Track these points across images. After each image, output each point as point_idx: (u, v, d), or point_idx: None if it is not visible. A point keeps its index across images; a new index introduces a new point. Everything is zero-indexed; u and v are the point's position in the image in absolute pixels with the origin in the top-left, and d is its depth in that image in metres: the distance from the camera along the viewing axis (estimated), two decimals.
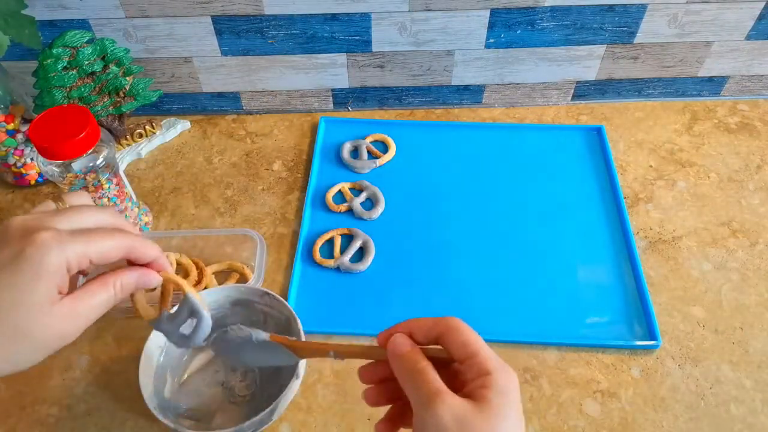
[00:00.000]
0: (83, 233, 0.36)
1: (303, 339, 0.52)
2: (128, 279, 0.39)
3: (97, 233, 0.37)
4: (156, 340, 0.54)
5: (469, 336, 0.35)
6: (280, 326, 0.56)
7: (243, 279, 0.64)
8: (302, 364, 0.51)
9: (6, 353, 0.34)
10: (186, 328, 0.41)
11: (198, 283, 0.62)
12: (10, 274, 0.33)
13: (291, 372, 0.52)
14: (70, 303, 0.36)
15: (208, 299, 0.56)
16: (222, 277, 0.65)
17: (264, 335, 0.42)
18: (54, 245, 0.34)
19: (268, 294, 0.55)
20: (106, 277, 0.38)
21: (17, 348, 0.34)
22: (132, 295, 0.41)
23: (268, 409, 0.49)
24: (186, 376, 0.57)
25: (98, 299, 0.37)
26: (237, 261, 0.65)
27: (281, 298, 0.55)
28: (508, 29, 0.74)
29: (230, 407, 0.55)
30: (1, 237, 0.35)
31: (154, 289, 0.41)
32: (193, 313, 0.41)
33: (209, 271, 0.64)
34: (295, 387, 0.51)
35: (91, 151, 0.57)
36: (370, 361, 0.39)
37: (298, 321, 0.53)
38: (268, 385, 0.55)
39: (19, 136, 0.68)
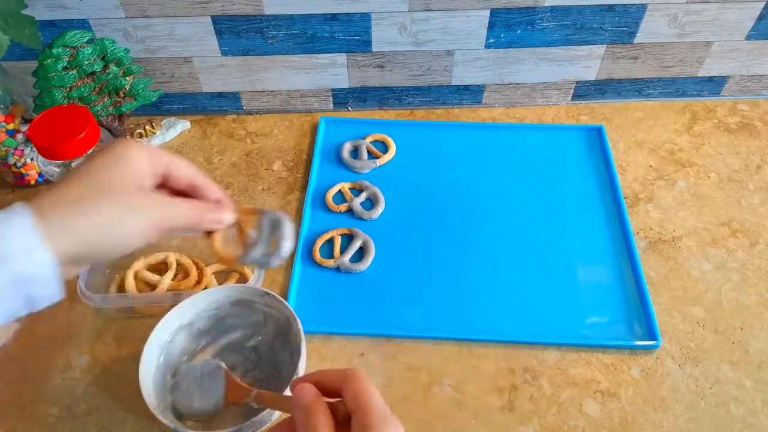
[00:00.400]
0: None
1: (302, 340, 0.52)
2: (225, 206, 0.42)
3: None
4: (156, 341, 0.54)
5: (361, 388, 0.36)
6: (280, 326, 0.56)
7: (243, 279, 0.64)
8: (303, 362, 0.51)
9: (107, 220, 0.35)
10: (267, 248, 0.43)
11: (198, 283, 0.62)
12: (103, 159, 0.37)
13: (291, 372, 0.52)
14: (163, 196, 0.39)
15: (208, 299, 0.56)
16: (222, 277, 0.65)
17: (220, 365, 0.48)
18: (132, 143, 0.38)
19: (268, 294, 0.55)
20: (199, 202, 0.41)
21: (123, 220, 0.36)
22: (212, 240, 0.43)
23: (268, 409, 0.49)
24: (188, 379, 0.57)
25: (191, 208, 0.40)
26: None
27: (281, 299, 0.55)
28: (508, 29, 0.74)
29: (230, 407, 0.54)
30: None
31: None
32: (275, 224, 0.43)
33: (209, 271, 0.64)
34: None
35: (91, 151, 0.57)
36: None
37: (298, 321, 0.53)
38: (268, 385, 0.55)
39: (19, 136, 0.68)
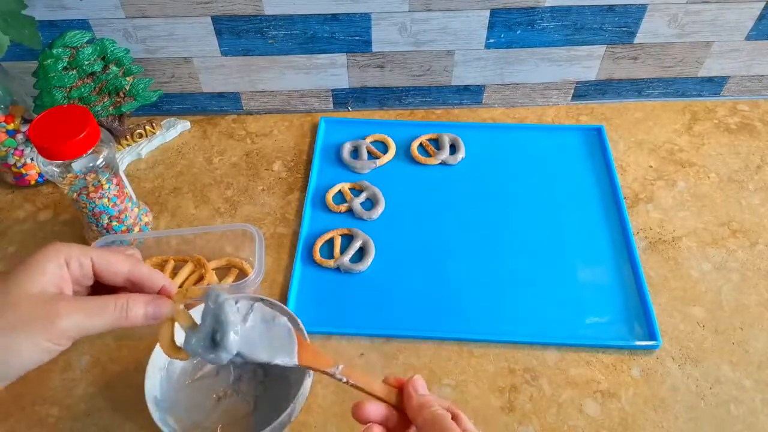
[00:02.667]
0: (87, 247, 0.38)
1: (307, 340, 0.52)
2: (137, 300, 0.38)
3: (105, 249, 0.39)
4: (157, 363, 0.53)
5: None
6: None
7: (243, 274, 0.64)
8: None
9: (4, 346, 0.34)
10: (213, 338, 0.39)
11: (201, 279, 0.62)
12: (14, 273, 0.36)
13: (299, 374, 0.52)
14: (63, 302, 0.36)
15: (199, 314, 0.55)
16: (221, 273, 0.65)
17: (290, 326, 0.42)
18: (52, 245, 0.36)
19: (263, 300, 0.55)
20: (112, 296, 0.38)
21: (14, 340, 0.34)
22: (159, 332, 0.40)
23: (286, 411, 0.48)
24: (190, 382, 0.56)
25: (101, 314, 0.37)
26: (236, 258, 0.65)
27: (278, 302, 0.54)
28: (508, 29, 0.74)
29: (235, 415, 0.54)
30: None
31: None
32: (218, 321, 0.38)
33: (209, 266, 0.63)
34: (308, 386, 0.51)
35: (91, 151, 0.57)
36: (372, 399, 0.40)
37: (299, 322, 0.53)
38: (278, 390, 0.55)
39: (19, 137, 0.68)
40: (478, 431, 0.38)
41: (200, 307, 0.41)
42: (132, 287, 0.40)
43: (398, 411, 0.41)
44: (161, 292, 0.40)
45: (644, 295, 0.62)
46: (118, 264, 0.38)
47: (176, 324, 0.40)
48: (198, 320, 0.40)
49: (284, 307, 0.54)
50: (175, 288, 0.41)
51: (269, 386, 0.56)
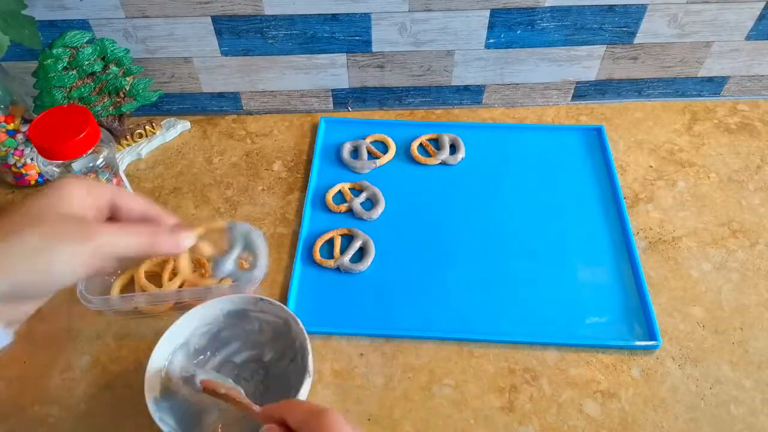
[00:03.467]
0: None
1: (307, 339, 0.52)
2: (164, 228, 0.39)
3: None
4: (156, 367, 0.53)
5: None
6: (278, 330, 0.56)
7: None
8: (311, 361, 0.51)
9: (38, 260, 0.34)
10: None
11: (203, 275, 0.63)
12: (40, 195, 0.36)
13: (299, 373, 0.52)
14: (100, 224, 0.37)
15: (200, 315, 0.56)
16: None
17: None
18: (72, 178, 0.38)
19: (262, 300, 0.55)
20: (139, 222, 0.39)
21: (55, 249, 0.34)
22: (178, 264, 0.43)
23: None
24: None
25: (133, 234, 0.37)
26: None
27: (277, 302, 0.54)
28: (508, 29, 0.74)
29: (235, 415, 0.54)
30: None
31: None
32: (246, 238, 0.42)
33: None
34: (308, 385, 0.51)
35: (91, 151, 0.57)
36: None
37: (299, 322, 0.53)
38: (277, 390, 0.55)
39: (19, 137, 0.68)
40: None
41: None
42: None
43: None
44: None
45: (644, 295, 0.62)
46: (133, 203, 0.39)
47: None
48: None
49: (284, 307, 0.54)
50: (189, 226, 0.42)
51: (269, 386, 0.56)
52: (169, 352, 0.54)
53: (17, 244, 0.33)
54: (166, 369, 0.54)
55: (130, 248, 0.37)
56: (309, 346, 0.52)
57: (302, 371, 0.51)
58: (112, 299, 0.60)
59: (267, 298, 0.55)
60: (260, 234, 0.42)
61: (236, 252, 0.43)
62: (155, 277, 0.64)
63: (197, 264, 0.63)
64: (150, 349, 0.52)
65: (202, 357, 0.57)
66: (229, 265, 0.43)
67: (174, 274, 0.63)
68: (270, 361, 0.57)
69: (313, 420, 0.35)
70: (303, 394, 0.50)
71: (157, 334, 0.54)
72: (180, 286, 0.62)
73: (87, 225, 0.36)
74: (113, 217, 0.39)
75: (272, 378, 0.56)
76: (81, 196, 0.36)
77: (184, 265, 0.42)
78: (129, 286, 0.64)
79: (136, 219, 0.39)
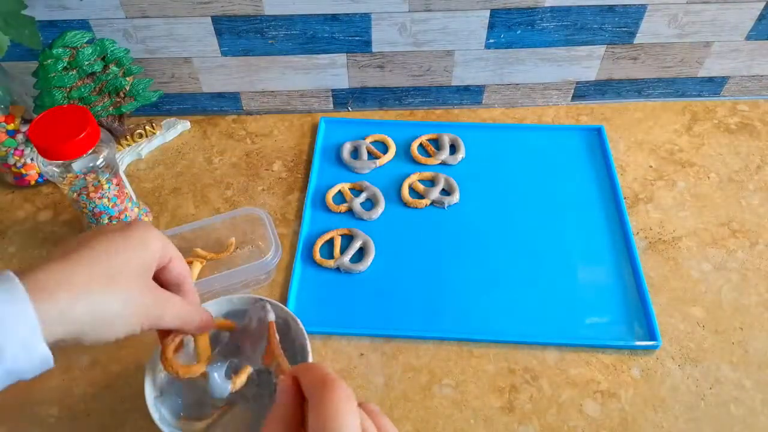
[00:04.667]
0: None
1: (306, 339, 0.52)
2: (206, 311, 0.42)
3: None
4: (155, 370, 0.53)
5: (327, 416, 0.31)
6: (279, 330, 0.56)
7: (260, 253, 0.65)
8: (311, 360, 0.51)
9: (110, 310, 0.35)
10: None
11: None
12: (123, 239, 0.37)
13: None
14: (158, 289, 0.38)
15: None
16: (235, 259, 0.66)
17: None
18: (153, 228, 0.39)
19: (261, 300, 0.55)
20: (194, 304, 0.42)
21: (123, 309, 0.36)
22: (165, 346, 0.44)
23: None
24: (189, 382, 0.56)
25: (181, 305, 0.40)
26: (247, 243, 0.66)
27: (276, 302, 0.54)
28: (508, 29, 0.74)
29: (234, 415, 0.54)
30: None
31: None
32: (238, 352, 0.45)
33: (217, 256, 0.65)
34: None
35: (91, 151, 0.57)
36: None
37: (299, 321, 0.53)
38: (273, 390, 0.55)
39: (19, 137, 0.68)
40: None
41: None
42: (173, 290, 0.42)
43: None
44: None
45: (644, 295, 0.62)
46: (181, 266, 0.41)
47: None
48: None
49: (283, 307, 0.54)
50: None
51: (269, 387, 0.56)
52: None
53: (97, 303, 0.34)
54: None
55: (173, 321, 0.39)
56: (309, 346, 0.52)
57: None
58: None
59: (266, 298, 0.55)
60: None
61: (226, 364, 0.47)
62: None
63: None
64: (149, 350, 0.52)
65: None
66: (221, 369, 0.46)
67: None
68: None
69: (320, 390, 0.32)
70: None
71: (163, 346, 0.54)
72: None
73: (152, 290, 0.37)
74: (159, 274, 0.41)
75: (270, 379, 0.56)
76: (155, 255, 0.38)
77: (170, 348, 0.45)
78: None
79: (172, 281, 0.41)
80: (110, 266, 0.35)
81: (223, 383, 0.47)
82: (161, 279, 0.41)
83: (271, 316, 0.51)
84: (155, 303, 0.37)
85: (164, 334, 0.45)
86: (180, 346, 0.46)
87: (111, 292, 0.34)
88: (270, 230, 0.62)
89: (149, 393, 0.50)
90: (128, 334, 0.37)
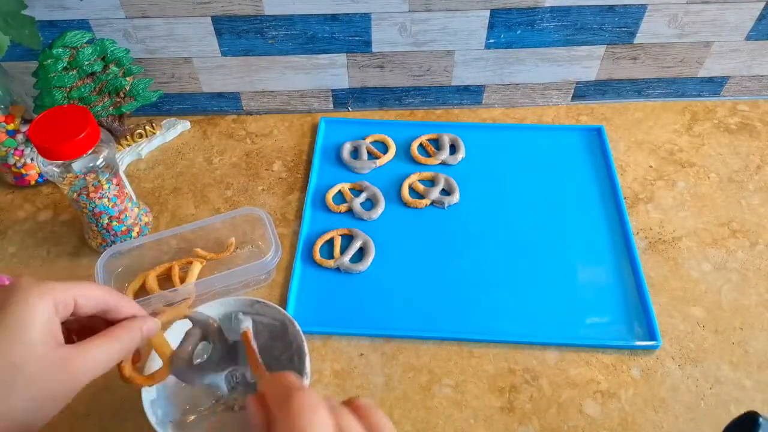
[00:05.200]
0: (62, 281, 0.37)
1: (304, 341, 0.52)
2: (128, 329, 0.38)
3: (77, 281, 0.37)
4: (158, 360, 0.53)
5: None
6: (275, 332, 0.56)
7: (260, 253, 0.65)
8: (308, 363, 0.51)
9: (7, 407, 0.32)
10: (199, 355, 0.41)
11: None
12: (5, 341, 0.33)
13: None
14: (70, 349, 0.35)
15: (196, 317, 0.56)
16: (235, 259, 0.66)
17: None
18: (34, 285, 0.34)
19: (258, 302, 0.55)
20: (112, 328, 0.38)
21: (39, 407, 0.33)
22: (120, 365, 0.41)
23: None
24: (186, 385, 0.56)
25: (105, 353, 0.36)
26: (248, 242, 0.67)
27: (273, 304, 0.54)
28: (508, 29, 0.74)
29: (232, 417, 0.54)
30: None
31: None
32: (205, 332, 0.41)
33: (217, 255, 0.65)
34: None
35: (91, 151, 0.57)
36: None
37: (296, 323, 0.53)
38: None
39: (19, 137, 0.68)
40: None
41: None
42: (102, 316, 0.39)
43: None
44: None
45: (644, 295, 0.62)
46: (91, 297, 0.37)
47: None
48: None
49: (280, 309, 0.54)
50: (146, 314, 0.41)
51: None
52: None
53: (9, 411, 0.32)
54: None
55: (104, 367, 0.36)
56: (306, 348, 0.52)
57: (300, 373, 0.51)
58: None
59: (263, 300, 0.55)
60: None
61: (190, 348, 0.44)
62: (167, 281, 0.64)
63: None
64: (150, 350, 0.52)
65: (199, 360, 0.57)
66: (183, 362, 0.43)
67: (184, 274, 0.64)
68: (267, 362, 0.56)
69: (281, 402, 0.30)
70: None
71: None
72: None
73: (66, 364, 0.34)
74: (74, 313, 0.37)
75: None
76: (48, 318, 0.34)
77: (127, 365, 0.42)
78: (140, 292, 0.63)
79: (93, 313, 0.38)
80: (10, 367, 0.32)
81: (192, 374, 0.46)
82: (84, 318, 0.38)
83: (245, 325, 0.50)
84: (69, 380, 0.34)
85: None
86: (138, 357, 0.44)
87: (24, 404, 0.32)
88: (270, 230, 0.62)
89: (145, 397, 0.50)
90: (54, 413, 0.34)
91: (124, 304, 0.39)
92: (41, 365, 0.33)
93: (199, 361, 0.48)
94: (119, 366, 0.42)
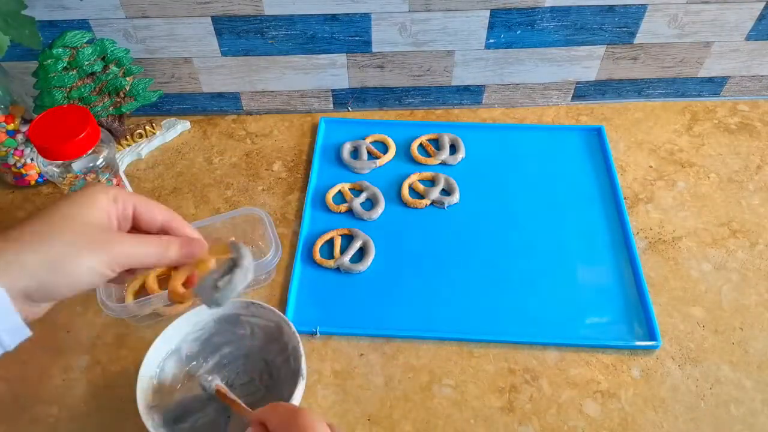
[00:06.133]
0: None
1: (299, 342, 0.52)
2: (176, 239, 0.40)
3: (143, 197, 0.41)
4: (147, 374, 0.53)
5: None
6: (271, 333, 0.56)
7: (260, 253, 0.65)
8: (304, 364, 0.51)
9: (61, 260, 0.35)
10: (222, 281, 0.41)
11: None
12: (67, 202, 0.37)
13: (292, 377, 0.51)
14: (113, 232, 0.38)
15: (191, 320, 0.55)
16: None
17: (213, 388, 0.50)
18: (99, 186, 0.39)
19: (253, 304, 0.55)
20: (154, 234, 0.40)
21: (75, 257, 0.35)
22: (173, 277, 0.42)
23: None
24: (180, 387, 0.56)
25: (148, 245, 0.39)
26: (248, 243, 0.66)
27: (268, 305, 0.54)
28: (508, 30, 0.74)
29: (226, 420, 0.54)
30: None
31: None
32: (237, 260, 0.41)
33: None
34: (301, 388, 0.51)
35: (91, 151, 0.57)
36: None
37: (291, 325, 0.53)
38: (269, 394, 0.55)
39: (19, 137, 0.68)
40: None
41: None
42: (167, 234, 0.42)
43: None
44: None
45: (644, 295, 0.62)
46: (156, 212, 0.40)
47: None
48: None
49: (275, 310, 0.54)
50: (202, 240, 0.43)
51: (263, 390, 0.56)
52: (161, 359, 0.54)
53: (42, 251, 0.34)
54: (157, 377, 0.54)
55: (144, 258, 0.38)
56: (302, 349, 0.51)
57: (296, 374, 0.51)
58: (130, 306, 0.59)
59: (258, 302, 0.55)
60: (248, 253, 0.42)
61: (223, 269, 0.43)
62: (166, 280, 0.63)
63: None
64: (149, 350, 0.53)
65: (194, 362, 0.57)
66: (209, 281, 0.42)
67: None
68: (263, 365, 0.56)
69: (289, 420, 0.38)
70: (297, 396, 0.50)
71: (157, 335, 0.54)
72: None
73: (107, 234, 0.37)
74: (135, 226, 0.40)
75: (266, 382, 0.56)
76: (107, 204, 0.38)
77: (178, 278, 0.42)
78: (141, 292, 0.63)
79: (158, 229, 0.41)
80: (55, 220, 0.36)
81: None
82: (146, 230, 0.41)
83: (215, 383, 0.52)
84: (111, 245, 0.37)
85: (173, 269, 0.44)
86: (189, 280, 0.44)
87: (56, 242, 0.35)
88: (270, 230, 0.62)
89: (141, 401, 0.50)
90: (93, 281, 0.36)
91: (186, 227, 0.42)
92: (90, 231, 0.37)
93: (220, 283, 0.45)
94: (170, 283, 0.42)
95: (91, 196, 0.38)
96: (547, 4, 0.71)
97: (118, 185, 0.62)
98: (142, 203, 0.40)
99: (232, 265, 0.41)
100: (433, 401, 0.56)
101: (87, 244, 0.36)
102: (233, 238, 0.46)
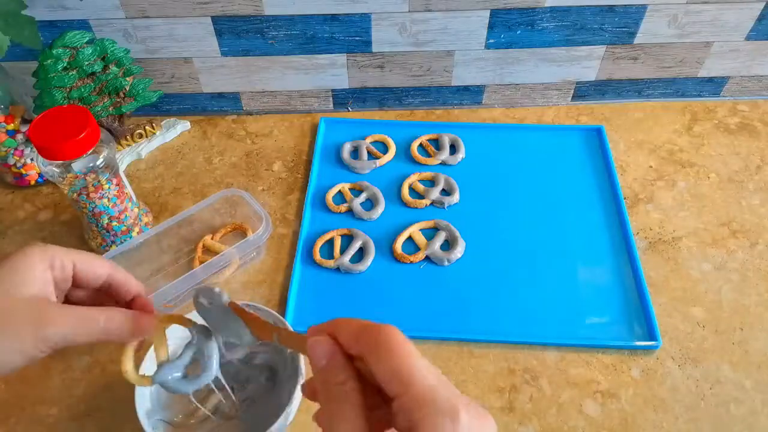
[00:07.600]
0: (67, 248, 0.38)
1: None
2: (124, 315, 0.37)
3: (83, 251, 0.38)
4: (151, 362, 0.52)
5: (400, 361, 0.26)
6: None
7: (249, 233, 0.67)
8: (303, 363, 0.51)
9: None
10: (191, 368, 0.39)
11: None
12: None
13: (290, 377, 0.51)
14: (51, 305, 0.35)
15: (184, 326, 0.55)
16: (233, 238, 0.67)
17: (225, 299, 0.39)
18: (37, 246, 0.36)
19: (249, 305, 0.55)
20: (98, 308, 0.37)
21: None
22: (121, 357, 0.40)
23: (283, 414, 0.47)
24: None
25: (87, 323, 0.36)
26: (237, 221, 0.68)
27: (264, 306, 0.54)
28: (508, 30, 0.74)
29: (228, 422, 0.54)
30: None
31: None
32: (202, 349, 0.38)
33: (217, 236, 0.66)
34: (299, 392, 0.51)
35: (91, 151, 0.57)
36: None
37: (288, 325, 0.53)
38: (267, 395, 0.55)
39: (19, 137, 0.68)
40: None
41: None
42: (107, 292, 0.39)
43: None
44: (135, 300, 0.40)
45: (644, 296, 0.62)
46: (97, 267, 0.38)
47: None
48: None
49: (270, 310, 0.54)
50: (151, 300, 0.41)
51: (261, 393, 0.55)
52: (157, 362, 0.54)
53: None
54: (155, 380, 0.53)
55: (82, 340, 0.36)
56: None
57: (295, 374, 0.51)
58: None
59: (255, 304, 0.54)
60: (213, 339, 0.38)
61: (184, 360, 0.40)
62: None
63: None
64: (149, 346, 0.52)
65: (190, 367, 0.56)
66: (171, 369, 0.39)
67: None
68: (261, 366, 0.56)
69: (367, 333, 0.28)
70: (296, 399, 0.50)
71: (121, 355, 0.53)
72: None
73: (40, 311, 0.34)
74: (76, 284, 0.38)
75: (263, 384, 0.56)
76: (41, 272, 0.35)
77: (127, 354, 0.40)
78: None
79: (100, 285, 0.39)
80: None
81: (178, 383, 0.41)
82: (87, 288, 0.39)
83: (226, 297, 0.40)
84: (37, 324, 0.34)
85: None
86: (140, 348, 0.41)
87: None
88: (254, 206, 0.64)
89: (140, 405, 0.50)
90: (23, 361, 0.34)
91: (130, 283, 0.39)
92: (19, 307, 0.34)
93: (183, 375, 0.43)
94: (121, 362, 0.40)
95: (25, 263, 0.35)
96: (547, 4, 0.71)
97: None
98: (82, 260, 0.37)
99: (196, 350, 0.38)
100: None
101: (16, 326, 0.33)
102: (189, 319, 0.42)
